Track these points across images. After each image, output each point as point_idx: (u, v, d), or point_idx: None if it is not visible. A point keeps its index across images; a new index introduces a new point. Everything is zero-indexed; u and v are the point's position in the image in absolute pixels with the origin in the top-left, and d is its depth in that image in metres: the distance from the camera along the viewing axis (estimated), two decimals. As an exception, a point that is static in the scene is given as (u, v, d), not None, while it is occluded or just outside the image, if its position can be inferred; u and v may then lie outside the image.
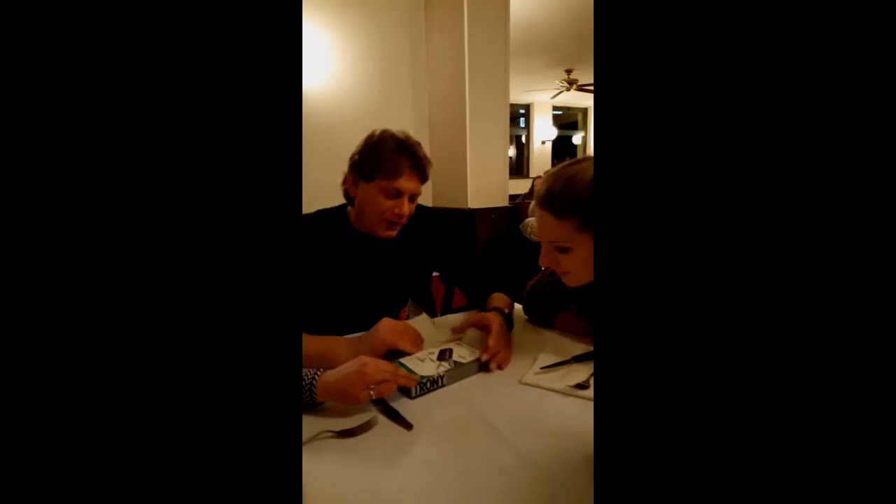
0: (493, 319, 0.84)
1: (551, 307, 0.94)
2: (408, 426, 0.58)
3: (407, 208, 0.91)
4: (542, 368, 0.73)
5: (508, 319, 0.91)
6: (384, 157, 0.88)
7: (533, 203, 0.74)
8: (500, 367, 0.76)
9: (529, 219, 2.74)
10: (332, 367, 0.66)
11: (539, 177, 5.02)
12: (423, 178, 0.92)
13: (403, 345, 0.77)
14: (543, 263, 0.71)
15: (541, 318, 0.97)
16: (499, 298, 0.97)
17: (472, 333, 0.87)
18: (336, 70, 2.53)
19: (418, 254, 1.05)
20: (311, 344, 0.77)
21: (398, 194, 0.89)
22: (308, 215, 0.99)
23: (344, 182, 0.96)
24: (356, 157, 0.92)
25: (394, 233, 0.94)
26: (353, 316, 0.97)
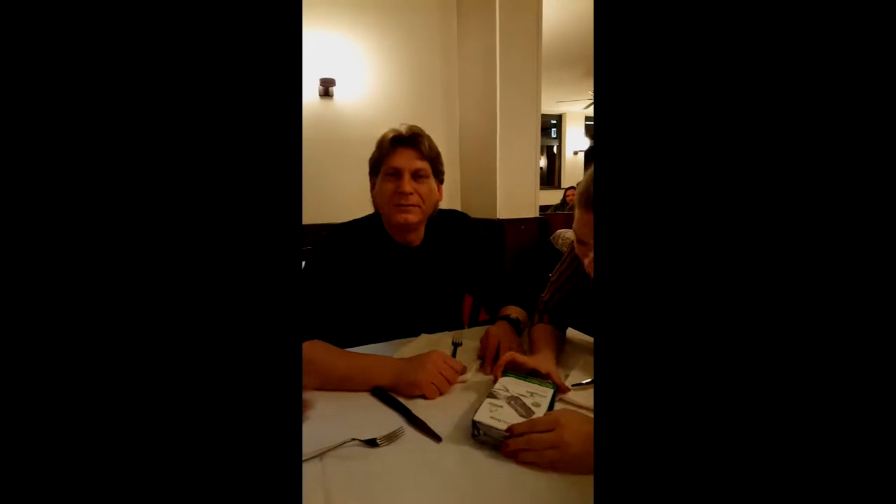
0: (490, 331, 0.85)
1: (568, 311, 0.91)
2: (437, 438, 0.57)
3: (409, 185, 0.88)
4: (573, 386, 0.70)
5: (515, 325, 0.90)
6: (379, 146, 0.92)
7: (576, 209, 0.72)
8: (494, 376, 0.72)
9: (560, 230, 2.70)
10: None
11: (572, 188, 4.94)
12: (421, 154, 0.90)
13: (431, 389, 0.68)
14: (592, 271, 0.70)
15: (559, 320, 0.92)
16: (510, 308, 0.96)
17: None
18: (369, 83, 2.59)
19: (450, 260, 1.03)
20: (349, 361, 0.74)
21: (397, 173, 0.89)
22: (342, 224, 0.99)
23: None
24: (369, 164, 0.97)
25: (411, 216, 0.89)
26: (385, 323, 0.97)
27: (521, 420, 0.56)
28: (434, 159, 0.93)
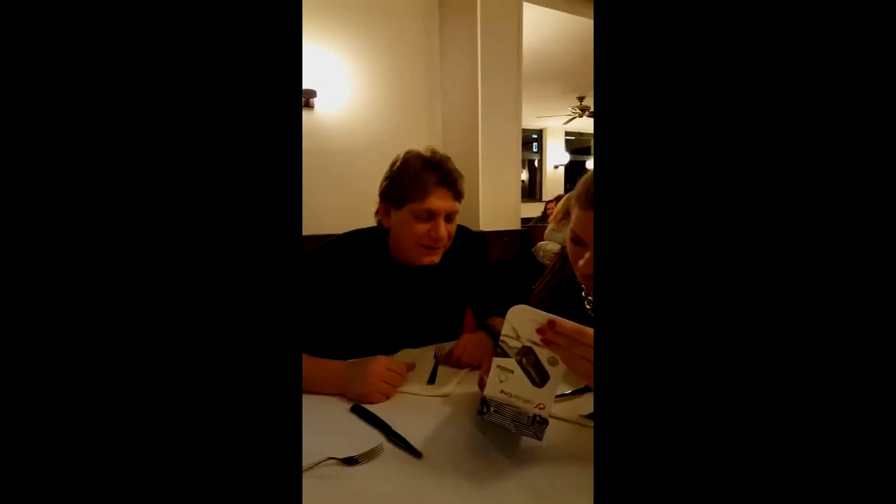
0: (463, 338, 0.88)
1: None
2: (416, 454, 0.56)
3: (444, 230, 0.83)
4: (556, 397, 0.70)
5: (496, 338, 0.88)
6: (410, 178, 0.82)
7: (574, 209, 0.69)
8: (460, 366, 0.82)
9: (541, 242, 2.73)
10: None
11: (552, 201, 5.01)
12: (457, 194, 0.84)
13: (377, 396, 0.70)
14: (588, 270, 0.69)
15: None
16: (495, 319, 0.94)
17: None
18: (353, 95, 2.59)
19: (457, 283, 0.98)
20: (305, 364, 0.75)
21: (431, 216, 0.82)
22: (343, 235, 0.92)
23: (377, 213, 0.90)
24: (384, 184, 0.87)
25: (436, 258, 0.86)
26: (380, 343, 0.91)
27: (536, 390, 0.51)
28: (462, 195, 0.87)
